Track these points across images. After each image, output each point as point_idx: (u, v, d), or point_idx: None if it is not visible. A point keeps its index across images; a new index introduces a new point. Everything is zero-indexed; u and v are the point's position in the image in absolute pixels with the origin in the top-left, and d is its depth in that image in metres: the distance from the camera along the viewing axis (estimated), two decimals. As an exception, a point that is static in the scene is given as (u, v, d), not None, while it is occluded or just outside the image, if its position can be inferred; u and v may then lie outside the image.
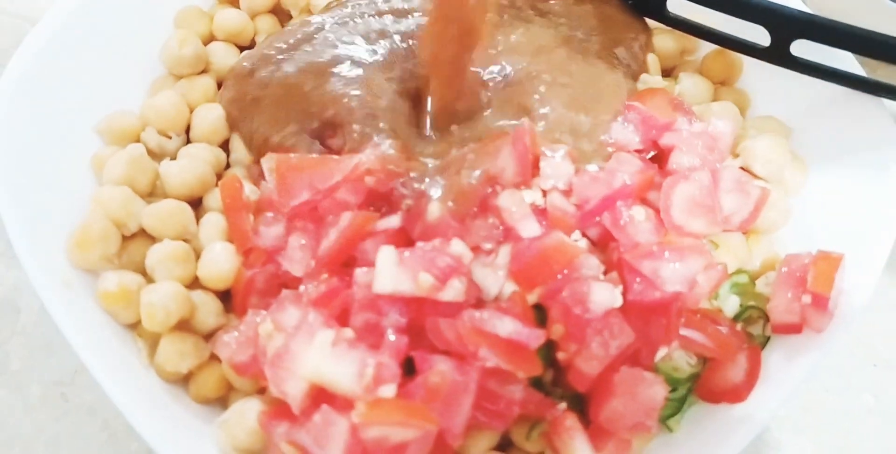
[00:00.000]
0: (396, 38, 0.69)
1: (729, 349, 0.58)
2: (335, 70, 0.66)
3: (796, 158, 0.68)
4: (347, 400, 0.51)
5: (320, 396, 0.52)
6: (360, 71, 0.66)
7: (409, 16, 0.71)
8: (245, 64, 0.70)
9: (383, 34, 0.69)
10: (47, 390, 0.70)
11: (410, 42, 0.69)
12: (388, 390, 0.50)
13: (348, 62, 0.67)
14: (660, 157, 0.65)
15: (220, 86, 0.72)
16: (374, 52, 0.68)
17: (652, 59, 0.72)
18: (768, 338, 0.61)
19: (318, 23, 0.71)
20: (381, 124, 0.62)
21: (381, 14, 0.71)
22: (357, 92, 0.64)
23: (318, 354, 0.51)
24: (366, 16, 0.71)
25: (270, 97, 0.67)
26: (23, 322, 0.74)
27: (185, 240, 0.62)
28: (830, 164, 0.67)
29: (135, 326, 0.61)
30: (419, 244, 0.55)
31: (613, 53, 0.70)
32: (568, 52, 0.68)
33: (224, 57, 0.73)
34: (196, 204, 0.65)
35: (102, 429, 0.69)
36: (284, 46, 0.69)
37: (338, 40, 0.68)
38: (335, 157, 0.59)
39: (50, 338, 0.72)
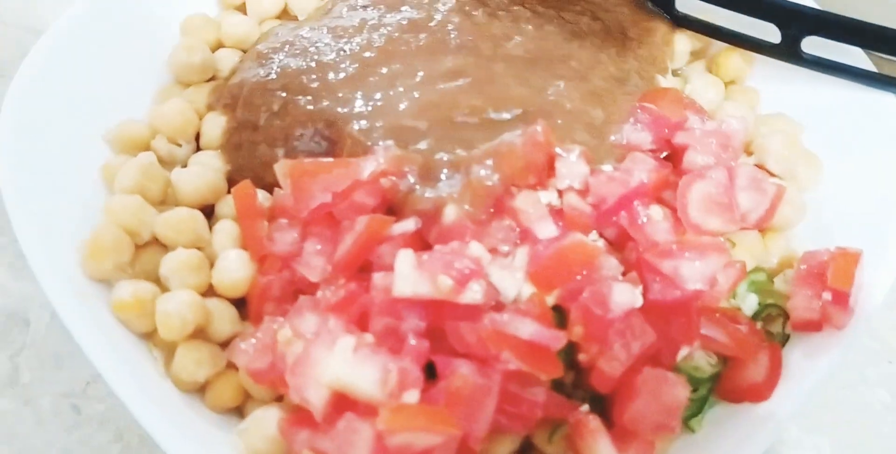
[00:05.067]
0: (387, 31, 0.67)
1: (750, 348, 0.57)
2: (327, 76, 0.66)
3: (809, 155, 0.68)
4: (370, 406, 0.50)
5: (342, 403, 0.51)
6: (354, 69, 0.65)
7: (399, 9, 0.69)
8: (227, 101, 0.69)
9: (371, 29, 0.68)
10: (58, 402, 0.69)
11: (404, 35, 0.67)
12: (412, 396, 0.50)
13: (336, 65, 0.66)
14: (673, 157, 0.64)
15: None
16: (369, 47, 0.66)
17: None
18: (788, 336, 0.61)
19: (291, 32, 0.70)
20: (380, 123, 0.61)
21: (365, 7, 0.70)
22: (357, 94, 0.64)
23: (339, 360, 0.50)
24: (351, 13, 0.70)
25: (267, 119, 0.66)
26: (32, 334, 0.73)
27: (198, 248, 0.62)
28: (843, 160, 0.67)
29: (150, 336, 0.60)
30: (437, 247, 0.55)
31: (632, 46, 0.70)
32: (588, 43, 0.68)
33: (232, 64, 0.72)
34: (208, 211, 0.65)
35: (115, 441, 0.68)
36: (264, 65, 0.68)
37: (321, 45, 0.67)
38: (350, 159, 0.59)
39: (60, 350, 0.72)
